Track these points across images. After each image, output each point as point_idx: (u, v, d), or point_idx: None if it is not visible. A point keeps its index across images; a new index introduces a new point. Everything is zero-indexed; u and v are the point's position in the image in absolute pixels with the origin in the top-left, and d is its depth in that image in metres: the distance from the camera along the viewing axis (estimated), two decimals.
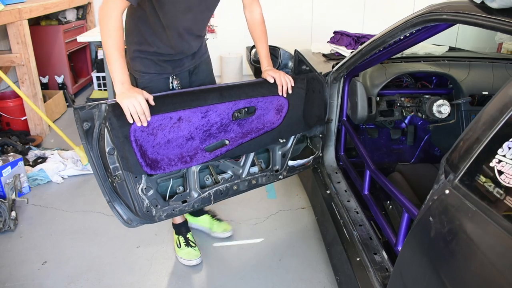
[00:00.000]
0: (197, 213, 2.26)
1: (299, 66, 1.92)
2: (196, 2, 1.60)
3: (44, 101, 3.64)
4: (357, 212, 1.85)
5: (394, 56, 2.05)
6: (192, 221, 2.27)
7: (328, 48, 2.74)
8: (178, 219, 2.08)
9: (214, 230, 2.22)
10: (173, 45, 1.67)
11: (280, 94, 1.78)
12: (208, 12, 1.70)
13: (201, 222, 2.26)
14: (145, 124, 1.45)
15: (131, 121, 1.43)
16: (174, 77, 1.77)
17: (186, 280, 1.95)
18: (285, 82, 1.77)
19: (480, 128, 0.94)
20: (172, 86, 1.77)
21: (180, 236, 2.10)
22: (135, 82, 1.74)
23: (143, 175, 1.55)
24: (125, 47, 1.58)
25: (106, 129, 1.42)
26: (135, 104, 1.41)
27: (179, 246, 2.08)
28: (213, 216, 2.28)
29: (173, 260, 2.07)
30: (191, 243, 2.08)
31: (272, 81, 1.77)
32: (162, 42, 1.65)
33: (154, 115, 1.50)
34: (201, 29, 1.75)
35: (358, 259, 1.58)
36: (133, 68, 1.71)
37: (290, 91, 1.79)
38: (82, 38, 3.38)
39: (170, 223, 2.14)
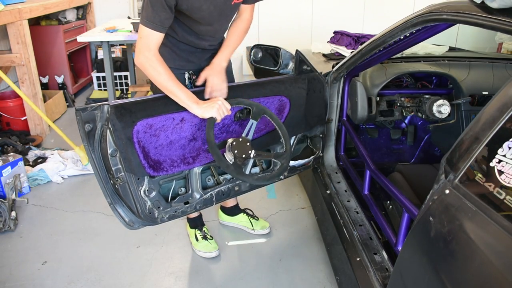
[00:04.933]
0: (232, 212, 2.29)
1: (300, 66, 1.92)
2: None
3: (44, 101, 3.65)
4: (357, 212, 1.85)
5: (394, 56, 2.05)
6: (228, 220, 2.32)
7: (328, 48, 2.75)
8: (194, 213, 2.09)
9: (254, 228, 2.26)
10: (196, 41, 1.69)
11: (206, 97, 1.65)
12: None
13: (238, 221, 2.30)
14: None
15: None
16: (191, 72, 1.77)
17: (186, 280, 1.95)
18: (215, 90, 1.65)
19: (480, 128, 0.94)
20: (189, 82, 1.77)
21: (197, 230, 2.14)
22: None
23: (145, 177, 1.54)
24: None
25: (108, 131, 1.41)
26: (222, 107, 1.54)
27: (197, 239, 2.12)
28: (249, 214, 2.31)
29: (173, 260, 2.07)
30: (208, 236, 2.13)
31: (201, 81, 1.68)
32: (186, 33, 1.66)
33: (157, 116, 1.49)
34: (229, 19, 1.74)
35: (358, 259, 1.58)
36: None
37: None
38: (82, 38, 3.38)
39: (171, 224, 2.14)
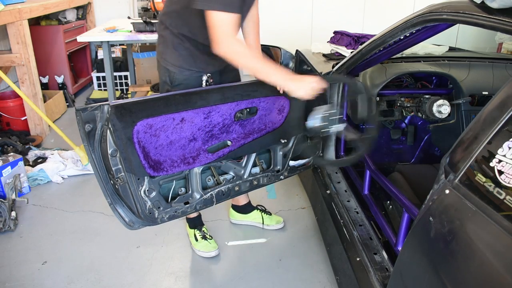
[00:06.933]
0: (245, 209, 2.29)
1: (300, 66, 1.92)
2: None
3: (44, 101, 3.64)
4: (357, 212, 1.85)
5: (394, 56, 2.05)
6: (241, 218, 2.31)
7: (328, 48, 2.74)
8: (193, 214, 2.09)
9: (267, 223, 2.26)
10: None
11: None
12: None
13: (252, 218, 2.30)
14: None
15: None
16: (209, 75, 1.77)
17: (186, 280, 1.95)
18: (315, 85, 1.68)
19: (480, 128, 0.94)
20: (207, 84, 1.77)
21: (196, 230, 2.14)
22: (168, 75, 1.73)
23: (145, 177, 1.54)
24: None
25: (108, 131, 1.41)
26: (315, 88, 1.51)
27: (196, 239, 2.12)
28: (262, 210, 2.31)
29: (173, 260, 2.07)
30: (207, 236, 2.13)
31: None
32: (201, 32, 1.64)
33: (157, 116, 1.49)
34: None
35: (358, 259, 1.58)
36: (173, 62, 1.71)
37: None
38: (82, 38, 3.38)
39: (171, 224, 2.14)
